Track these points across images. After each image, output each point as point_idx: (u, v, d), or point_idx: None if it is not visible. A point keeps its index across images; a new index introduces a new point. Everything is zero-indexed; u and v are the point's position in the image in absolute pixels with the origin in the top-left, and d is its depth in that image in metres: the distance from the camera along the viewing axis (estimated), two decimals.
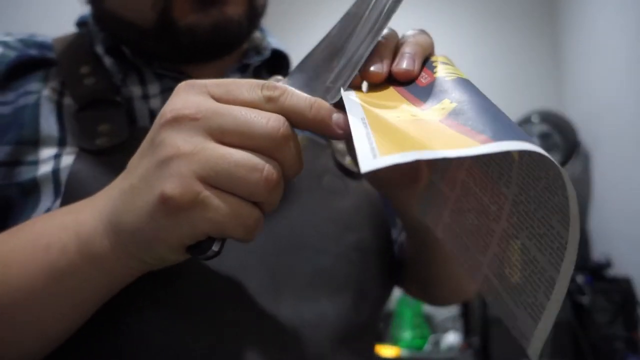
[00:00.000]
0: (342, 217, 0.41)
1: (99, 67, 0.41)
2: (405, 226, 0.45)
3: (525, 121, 2.13)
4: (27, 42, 0.42)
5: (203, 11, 0.38)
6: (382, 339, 2.09)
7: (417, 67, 0.31)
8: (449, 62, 0.32)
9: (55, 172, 0.36)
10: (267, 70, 0.47)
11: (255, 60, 0.45)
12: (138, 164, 0.27)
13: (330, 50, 0.31)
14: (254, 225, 0.25)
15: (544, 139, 2.08)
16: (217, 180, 0.24)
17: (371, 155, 0.21)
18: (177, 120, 0.25)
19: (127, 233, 0.26)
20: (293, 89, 0.27)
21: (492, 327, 1.78)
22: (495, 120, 0.23)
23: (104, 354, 0.32)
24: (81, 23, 0.46)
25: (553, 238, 0.22)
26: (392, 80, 0.31)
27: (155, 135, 0.26)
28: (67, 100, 0.39)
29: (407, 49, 0.32)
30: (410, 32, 0.33)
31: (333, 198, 0.41)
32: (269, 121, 0.25)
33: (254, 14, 0.42)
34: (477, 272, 0.28)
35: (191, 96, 0.26)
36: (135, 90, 0.41)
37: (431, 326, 2.17)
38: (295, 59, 0.52)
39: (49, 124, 0.37)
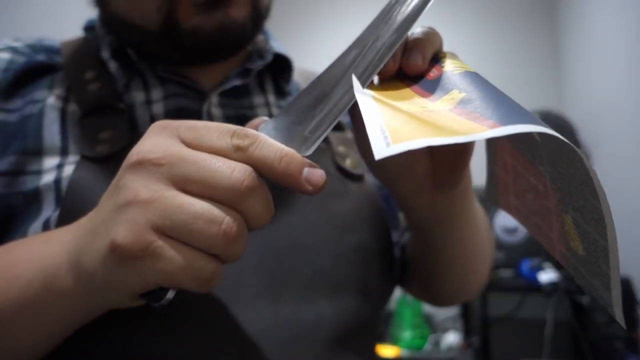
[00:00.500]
0: (341, 219, 0.41)
1: (103, 72, 0.41)
2: (411, 224, 0.45)
3: None
4: (36, 47, 0.43)
5: (207, 14, 0.38)
6: (382, 338, 2.09)
7: (426, 61, 0.32)
8: (456, 58, 0.33)
9: (57, 182, 0.36)
10: (270, 74, 0.48)
11: (257, 65, 0.45)
12: (104, 205, 0.26)
13: (315, 95, 0.30)
14: (209, 278, 0.24)
15: None
16: (172, 231, 0.23)
17: (384, 144, 0.22)
18: (141, 164, 0.24)
19: (85, 275, 0.26)
20: (266, 138, 0.26)
21: (492, 327, 1.78)
22: (502, 106, 0.24)
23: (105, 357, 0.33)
24: (88, 28, 0.46)
25: (592, 209, 0.22)
26: (401, 76, 0.32)
27: (120, 178, 0.25)
28: (72, 107, 0.40)
29: (416, 45, 0.32)
30: (419, 29, 0.34)
31: (332, 200, 0.41)
32: (233, 172, 0.24)
33: (258, 16, 0.42)
34: (554, 249, 0.29)
35: (161, 139, 0.25)
36: (139, 96, 0.41)
37: (431, 326, 2.17)
38: (295, 61, 0.52)
39: (52, 133, 0.38)
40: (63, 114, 0.39)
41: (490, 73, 2.63)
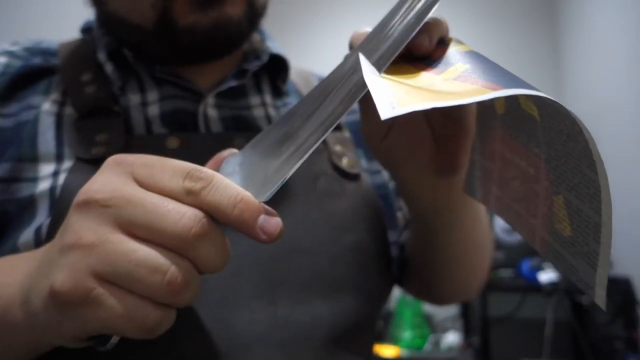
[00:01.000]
0: (338, 219, 0.41)
1: (100, 74, 0.41)
2: (412, 214, 0.45)
3: None
4: (33, 50, 0.43)
5: (202, 11, 0.38)
6: (382, 338, 2.09)
7: (433, 42, 0.32)
8: (461, 42, 0.34)
9: (53, 190, 0.36)
10: (267, 74, 0.48)
11: (253, 65, 0.45)
12: (54, 242, 0.25)
13: (284, 131, 0.28)
14: (152, 327, 0.23)
15: None
16: (115, 278, 0.22)
17: (389, 106, 0.22)
18: (88, 205, 0.23)
19: (31, 314, 0.25)
20: (221, 180, 0.24)
21: (492, 327, 1.78)
22: (506, 75, 0.25)
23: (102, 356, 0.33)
24: (85, 29, 0.46)
25: (588, 184, 0.23)
26: (408, 58, 0.33)
27: (68, 217, 0.24)
28: (68, 110, 0.40)
29: (424, 27, 0.32)
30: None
31: (329, 200, 0.41)
32: (182, 218, 0.22)
33: (254, 14, 0.42)
34: (534, 237, 0.29)
35: (113, 177, 0.24)
36: (134, 98, 0.41)
37: (431, 326, 2.17)
38: (295, 61, 0.52)
39: (46, 140, 0.38)
40: (59, 119, 0.39)
41: None
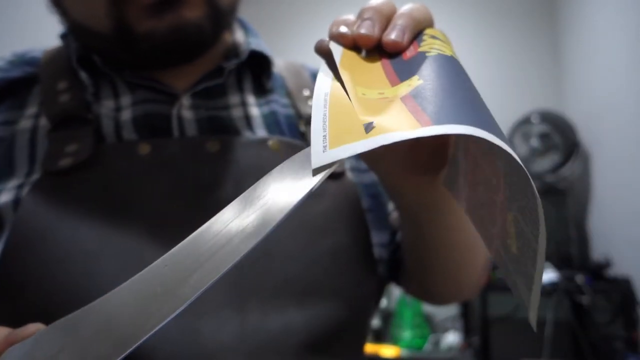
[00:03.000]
0: (316, 222, 0.40)
1: (75, 82, 0.41)
2: (398, 210, 0.44)
3: (525, 121, 2.13)
4: (15, 63, 0.43)
5: (157, 17, 0.37)
6: (382, 338, 2.09)
7: (406, 39, 0.31)
8: (440, 37, 0.32)
9: (16, 203, 0.36)
10: (250, 72, 0.46)
11: (231, 64, 0.43)
12: None
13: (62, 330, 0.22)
14: None
15: (544, 139, 2.08)
16: None
17: (322, 149, 0.22)
18: None
19: None
20: None
21: (492, 327, 1.78)
22: (449, 101, 0.23)
23: None
24: (64, 35, 0.45)
25: (531, 210, 0.22)
26: (381, 49, 0.32)
27: None
28: (43, 121, 0.39)
29: (399, 21, 0.31)
30: (407, 5, 0.33)
31: (308, 201, 0.41)
32: None
33: (218, 14, 0.40)
34: (491, 245, 0.29)
35: None
36: (108, 104, 0.40)
37: (431, 326, 2.17)
38: (292, 58, 0.52)
39: (22, 158, 0.38)
40: (33, 134, 0.39)
41: (490, 73, 2.64)
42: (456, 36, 2.88)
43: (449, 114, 0.22)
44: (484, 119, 0.22)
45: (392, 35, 0.30)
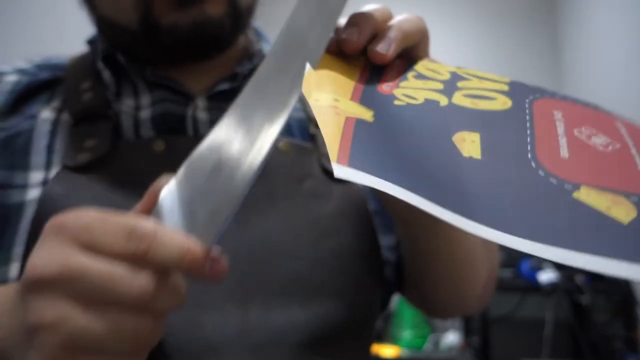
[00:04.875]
0: (321, 222, 0.40)
1: (98, 82, 0.42)
2: (398, 227, 0.44)
3: None
4: (43, 66, 0.45)
5: (182, 10, 0.39)
6: (382, 338, 2.09)
7: (391, 52, 0.31)
8: (428, 75, 0.31)
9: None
10: None
11: (245, 69, 0.45)
12: (18, 314, 0.26)
13: (212, 163, 0.27)
14: None
15: None
16: (88, 347, 0.23)
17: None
18: (40, 284, 0.23)
19: None
20: (163, 233, 0.24)
21: (492, 327, 1.78)
22: (375, 151, 0.24)
23: None
24: (91, 41, 0.48)
25: None
26: (367, 59, 0.31)
27: (23, 293, 0.25)
28: (65, 116, 0.41)
29: (389, 32, 0.31)
30: (400, 16, 0.33)
31: (315, 202, 0.41)
32: (132, 285, 0.23)
33: (237, 14, 0.42)
34: None
35: (56, 248, 0.24)
36: (129, 102, 0.42)
37: (431, 326, 2.17)
38: None
39: (39, 148, 0.40)
40: (55, 126, 0.41)
41: (490, 73, 2.64)
42: (456, 36, 2.87)
43: (367, 161, 0.22)
44: (415, 176, 0.22)
45: (378, 46, 0.31)
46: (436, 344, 2.03)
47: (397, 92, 0.29)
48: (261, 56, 0.46)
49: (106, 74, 0.43)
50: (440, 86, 0.30)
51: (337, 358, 0.40)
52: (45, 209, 0.36)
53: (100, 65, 0.43)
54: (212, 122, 0.42)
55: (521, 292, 1.78)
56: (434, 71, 0.32)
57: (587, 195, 0.21)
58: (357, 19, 0.32)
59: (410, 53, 0.35)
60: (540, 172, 0.23)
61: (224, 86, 0.44)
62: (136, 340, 0.24)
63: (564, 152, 0.24)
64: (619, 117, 0.28)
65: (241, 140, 0.27)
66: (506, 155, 0.24)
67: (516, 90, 0.30)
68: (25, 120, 0.41)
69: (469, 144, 0.25)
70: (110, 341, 0.23)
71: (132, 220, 0.24)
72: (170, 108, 0.42)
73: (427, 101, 0.29)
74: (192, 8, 0.39)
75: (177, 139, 0.40)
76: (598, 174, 0.22)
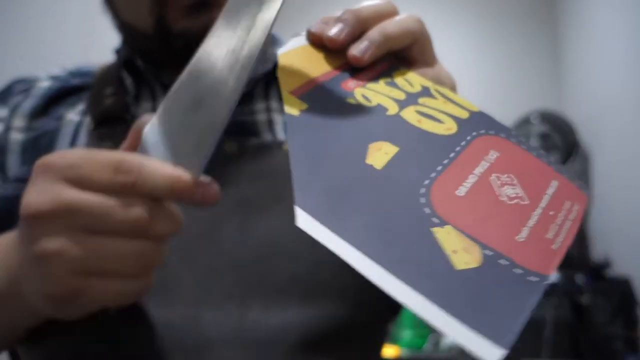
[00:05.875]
0: None
1: (120, 88, 0.45)
2: None
3: (525, 121, 2.13)
4: (75, 73, 0.48)
5: (193, 17, 0.40)
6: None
7: (367, 56, 0.31)
8: (401, 85, 0.32)
9: None
10: (276, 79, 0.48)
11: (257, 74, 0.46)
12: (21, 247, 0.27)
13: (192, 96, 0.28)
14: (134, 296, 0.26)
15: (544, 140, 2.08)
16: (95, 271, 0.25)
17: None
18: (36, 218, 0.24)
19: (24, 303, 0.29)
20: (149, 165, 0.25)
21: None
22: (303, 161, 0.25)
23: None
24: (117, 50, 0.50)
25: None
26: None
27: (24, 229, 0.26)
28: (87, 120, 0.43)
29: (370, 34, 0.31)
30: (396, 17, 0.33)
31: None
32: (126, 213, 0.24)
33: None
34: None
35: (46, 185, 0.25)
36: (146, 106, 0.44)
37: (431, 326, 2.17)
38: None
39: (62, 146, 0.42)
40: (77, 127, 0.43)
41: (490, 73, 2.64)
42: (457, 36, 2.87)
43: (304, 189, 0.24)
44: (310, 165, 0.24)
45: (355, 49, 0.31)
46: (436, 344, 2.03)
47: (358, 92, 0.30)
48: (274, 61, 0.47)
49: (128, 80, 0.45)
50: (402, 96, 0.30)
51: (335, 358, 0.40)
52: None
53: (123, 71, 0.46)
54: None
55: None
56: (407, 81, 0.32)
57: (446, 234, 0.22)
58: (347, 16, 0.32)
59: (403, 55, 0.34)
60: (421, 200, 0.24)
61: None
62: (140, 263, 0.25)
63: (462, 191, 0.24)
64: (564, 177, 0.28)
65: (221, 66, 0.27)
66: (403, 176, 0.25)
67: (473, 121, 0.30)
68: (52, 121, 0.44)
69: (380, 154, 0.26)
70: (116, 265, 0.25)
71: (118, 155, 0.25)
72: None
73: (378, 106, 0.29)
74: (203, 15, 0.40)
75: None
76: (476, 220, 0.23)
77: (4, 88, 0.47)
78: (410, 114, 0.29)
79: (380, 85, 0.31)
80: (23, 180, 0.40)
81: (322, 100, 0.28)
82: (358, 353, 0.43)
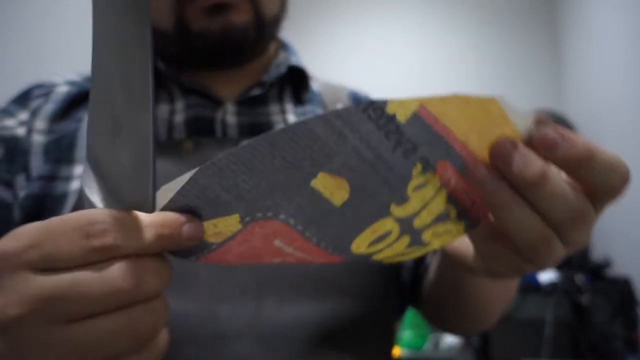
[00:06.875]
0: None
1: None
2: (445, 271, 0.43)
3: None
4: (90, 78, 0.48)
5: (211, 18, 0.43)
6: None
7: (494, 189, 0.24)
8: (417, 199, 0.25)
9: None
10: (290, 84, 0.51)
11: (271, 77, 0.48)
12: (2, 343, 0.22)
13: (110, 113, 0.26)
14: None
15: None
16: (89, 358, 0.21)
17: None
18: (11, 327, 0.21)
19: None
20: (124, 219, 0.21)
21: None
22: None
23: None
24: None
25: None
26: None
27: (1, 331, 0.21)
28: None
29: (549, 187, 0.23)
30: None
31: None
32: (108, 284, 0.20)
33: (262, 24, 0.45)
34: None
35: (9, 282, 0.21)
36: (164, 107, 0.46)
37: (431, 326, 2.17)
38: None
39: (82, 145, 0.44)
40: None
41: (490, 73, 2.63)
42: (457, 36, 2.87)
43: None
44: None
45: (531, 166, 0.22)
46: (436, 344, 2.04)
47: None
48: (287, 65, 0.50)
49: None
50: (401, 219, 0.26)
51: (346, 353, 0.41)
52: (79, 205, 0.39)
53: None
54: (240, 125, 0.45)
55: (521, 292, 1.78)
56: (423, 200, 0.25)
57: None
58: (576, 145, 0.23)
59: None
60: None
61: (255, 92, 0.47)
62: (137, 335, 0.22)
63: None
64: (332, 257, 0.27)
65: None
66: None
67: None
68: (72, 123, 0.45)
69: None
70: (110, 344, 0.21)
71: (84, 215, 0.21)
72: (201, 112, 0.45)
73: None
74: (220, 16, 0.43)
75: (204, 140, 0.43)
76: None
77: (22, 93, 0.48)
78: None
79: (415, 179, 0.24)
80: (47, 178, 0.42)
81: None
82: (370, 348, 0.43)
